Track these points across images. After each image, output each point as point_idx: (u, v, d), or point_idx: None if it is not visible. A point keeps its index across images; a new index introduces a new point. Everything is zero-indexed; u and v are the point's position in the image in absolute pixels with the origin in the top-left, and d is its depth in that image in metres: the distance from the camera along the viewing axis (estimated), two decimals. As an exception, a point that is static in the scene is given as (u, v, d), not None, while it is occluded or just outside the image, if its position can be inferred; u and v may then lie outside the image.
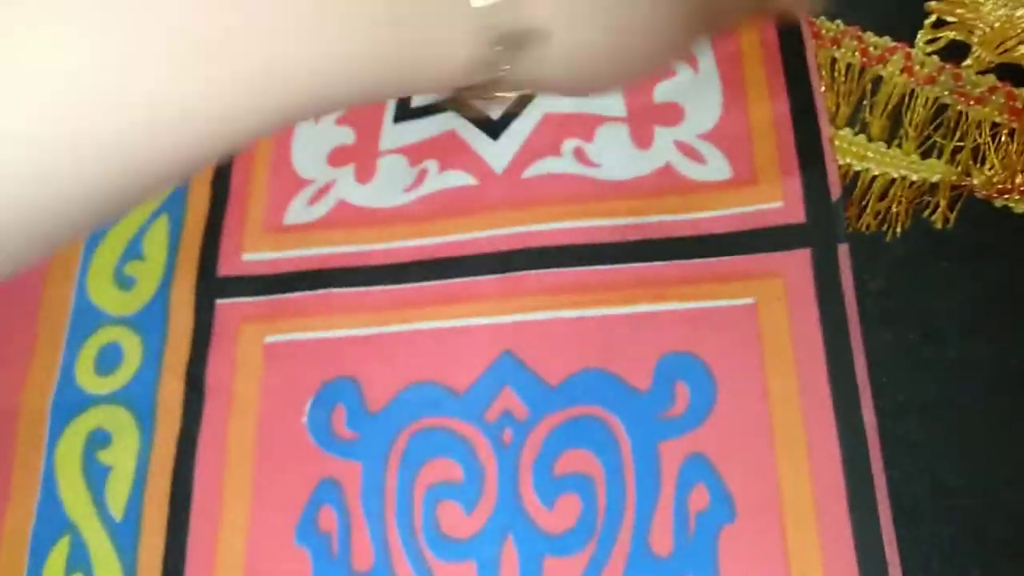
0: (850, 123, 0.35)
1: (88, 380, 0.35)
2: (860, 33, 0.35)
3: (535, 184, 0.35)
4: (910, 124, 0.34)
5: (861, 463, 0.29)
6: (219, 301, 0.36)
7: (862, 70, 0.35)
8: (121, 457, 0.34)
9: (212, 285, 0.36)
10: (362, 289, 0.35)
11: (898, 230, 0.34)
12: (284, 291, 0.35)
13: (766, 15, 0.31)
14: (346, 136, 0.38)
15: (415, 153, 0.36)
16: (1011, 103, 0.34)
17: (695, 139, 0.35)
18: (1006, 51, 0.34)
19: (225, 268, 0.36)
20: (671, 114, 0.35)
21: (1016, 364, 0.31)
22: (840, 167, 0.34)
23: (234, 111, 0.15)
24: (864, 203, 0.34)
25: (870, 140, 0.35)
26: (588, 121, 0.35)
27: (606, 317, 0.32)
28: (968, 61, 0.34)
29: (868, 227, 0.34)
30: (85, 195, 0.14)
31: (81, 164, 0.14)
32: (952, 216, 0.34)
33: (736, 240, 0.33)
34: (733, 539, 0.29)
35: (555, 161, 0.35)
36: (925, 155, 0.34)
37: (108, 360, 0.36)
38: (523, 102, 0.36)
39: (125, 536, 0.32)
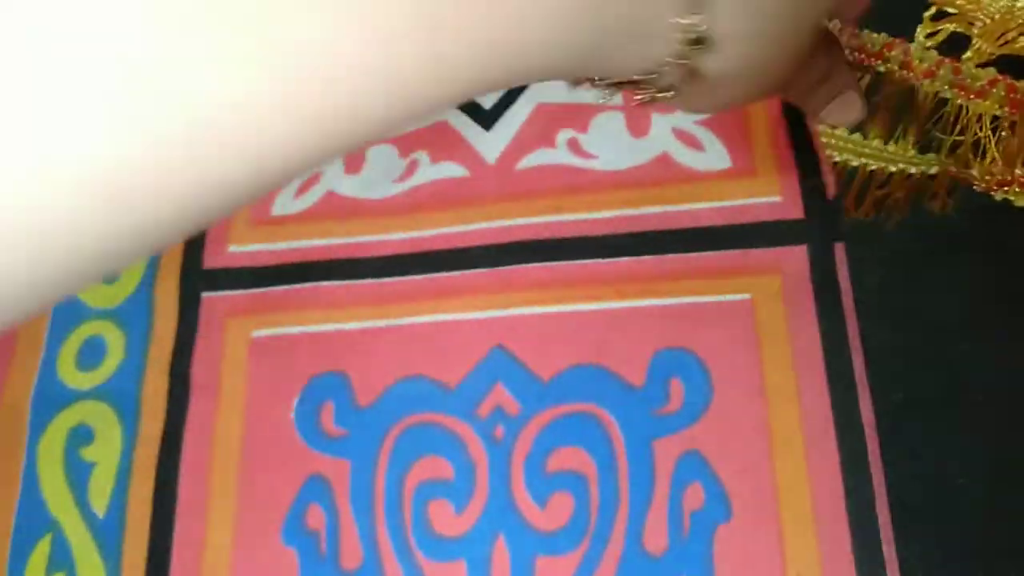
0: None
1: (70, 375, 0.35)
2: (856, 31, 0.35)
3: (528, 176, 0.34)
4: (910, 120, 0.34)
5: (859, 461, 0.29)
6: (205, 294, 0.35)
7: (860, 66, 0.35)
8: (104, 454, 0.33)
9: (198, 278, 0.35)
10: (351, 282, 0.34)
11: (895, 223, 0.33)
12: (271, 284, 0.34)
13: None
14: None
15: (405, 144, 0.36)
16: (1012, 96, 0.33)
17: (693, 125, 0.34)
18: (1007, 43, 0.34)
19: (211, 260, 0.35)
20: None
21: (1016, 360, 0.31)
22: (837, 164, 0.33)
23: (455, 79, 0.15)
24: (862, 192, 0.34)
25: (866, 137, 0.34)
26: (583, 111, 0.35)
27: (600, 312, 0.32)
28: (968, 53, 0.34)
29: (867, 214, 0.34)
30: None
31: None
32: (951, 204, 0.33)
33: (733, 233, 0.32)
34: (729, 538, 0.29)
35: (549, 152, 0.34)
36: (924, 149, 0.34)
37: (91, 354, 0.35)
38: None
39: (108, 534, 0.32)
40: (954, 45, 0.34)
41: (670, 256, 0.32)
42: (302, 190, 0.36)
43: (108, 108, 0.12)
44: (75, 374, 0.34)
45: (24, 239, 0.12)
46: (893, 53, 0.34)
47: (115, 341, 0.35)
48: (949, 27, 0.34)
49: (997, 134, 0.34)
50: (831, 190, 0.32)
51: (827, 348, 0.30)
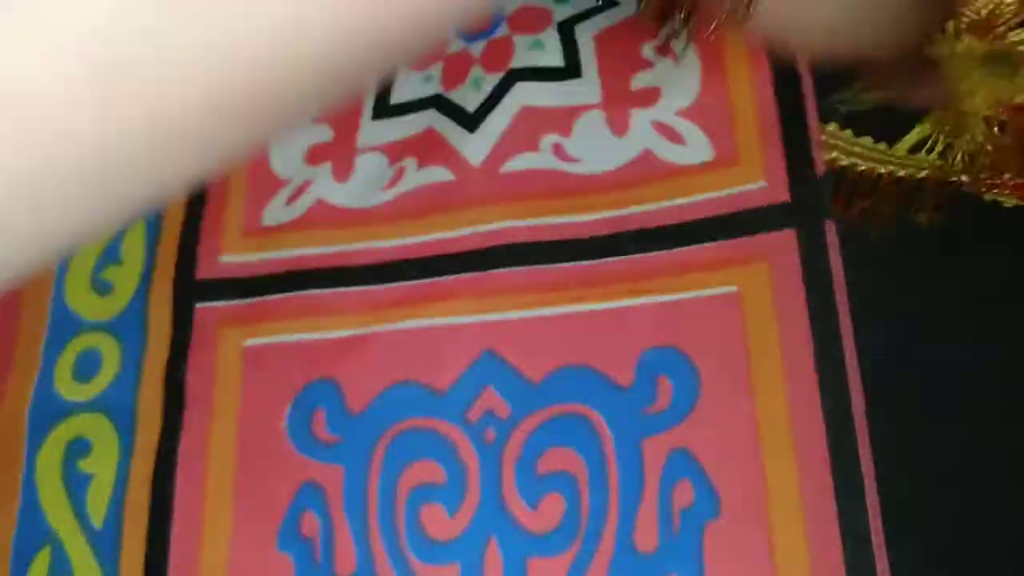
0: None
1: (67, 387, 0.35)
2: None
3: (513, 179, 0.34)
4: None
5: (849, 456, 0.28)
6: (198, 305, 0.35)
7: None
8: (101, 465, 0.33)
9: (190, 288, 0.36)
10: (341, 290, 0.34)
11: (883, 228, 0.33)
12: (263, 293, 0.35)
13: None
14: (323, 134, 0.37)
15: (394, 152, 0.36)
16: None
17: (673, 116, 0.34)
18: (996, 39, 0.34)
19: (203, 271, 0.36)
20: (648, 96, 0.34)
21: (1005, 360, 0.30)
22: (826, 160, 0.33)
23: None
24: (849, 199, 0.34)
25: (857, 135, 0.34)
26: (565, 114, 0.35)
27: (587, 313, 0.32)
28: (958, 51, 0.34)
29: (853, 222, 0.34)
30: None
31: None
32: (937, 215, 0.33)
33: (718, 225, 0.32)
34: (718, 535, 0.29)
35: (533, 157, 0.34)
36: (914, 149, 0.34)
37: (87, 366, 0.35)
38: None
39: (106, 545, 0.32)
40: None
41: (655, 254, 0.32)
42: (292, 199, 0.36)
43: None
44: (72, 386, 0.35)
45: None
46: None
47: (110, 353, 0.35)
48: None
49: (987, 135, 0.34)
50: (820, 167, 0.31)
51: (817, 335, 0.30)
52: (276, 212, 0.36)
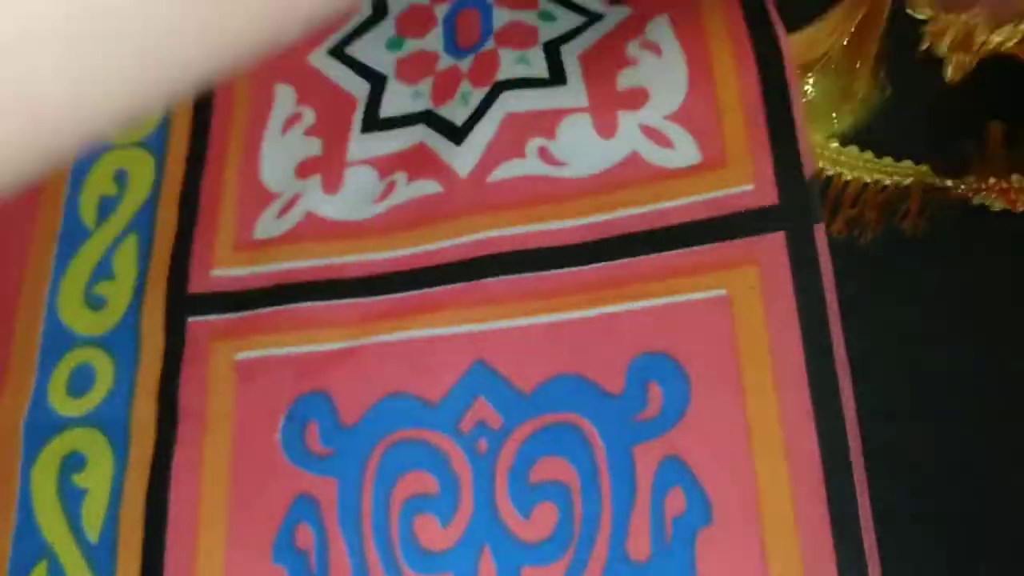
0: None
1: (61, 402, 0.35)
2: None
3: (501, 188, 0.34)
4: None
5: (841, 461, 0.29)
6: (190, 319, 0.35)
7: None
8: (96, 480, 0.33)
9: (182, 303, 0.36)
10: (332, 303, 0.34)
11: (869, 236, 0.34)
12: (254, 307, 0.35)
13: None
14: (313, 147, 0.38)
15: (384, 165, 0.36)
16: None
17: (661, 120, 0.34)
18: (983, 44, 0.34)
19: (195, 285, 0.36)
20: (635, 98, 0.34)
21: (995, 361, 0.31)
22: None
23: None
24: (835, 208, 0.34)
25: (843, 145, 0.34)
26: (550, 117, 0.35)
27: (577, 320, 0.32)
28: (950, 69, 0.34)
29: (839, 232, 0.34)
30: None
31: None
32: (922, 222, 0.33)
33: (706, 228, 0.32)
34: (710, 542, 0.29)
35: (520, 163, 0.34)
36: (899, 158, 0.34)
37: (80, 381, 0.35)
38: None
39: (102, 559, 0.32)
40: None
41: (644, 258, 0.32)
42: (282, 212, 0.37)
43: None
44: (66, 401, 0.35)
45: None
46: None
47: (104, 368, 0.35)
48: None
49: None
50: (808, 169, 0.32)
51: (807, 337, 0.30)
52: (267, 225, 0.36)
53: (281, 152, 0.38)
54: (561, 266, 0.33)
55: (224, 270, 0.36)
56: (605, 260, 0.32)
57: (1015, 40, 0.31)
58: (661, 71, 0.34)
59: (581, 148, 0.34)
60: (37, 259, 0.38)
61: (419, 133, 0.36)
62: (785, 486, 0.29)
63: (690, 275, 0.32)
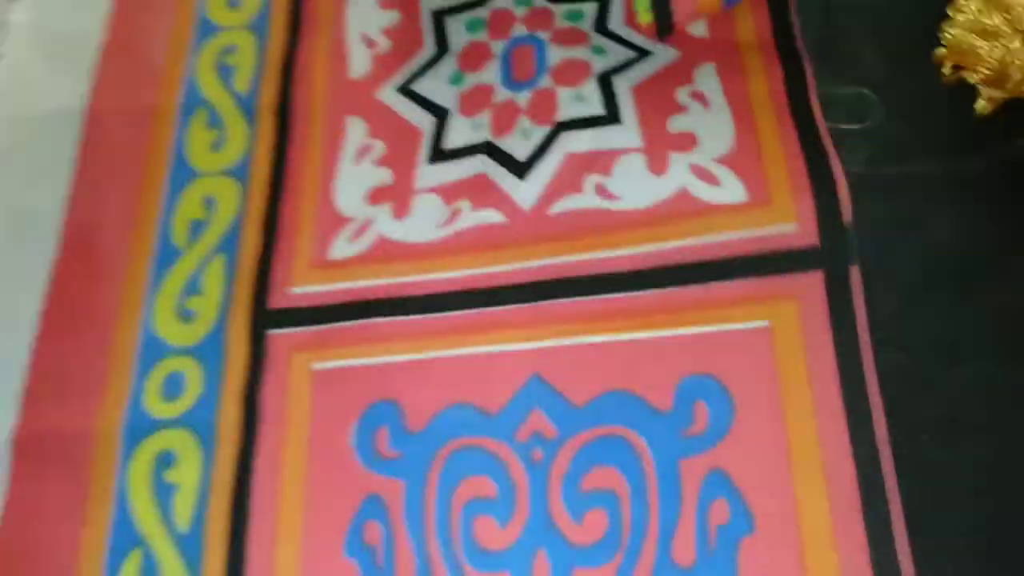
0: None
1: (155, 405, 0.39)
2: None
3: (561, 219, 0.37)
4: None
5: (875, 478, 0.30)
6: (271, 332, 0.39)
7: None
8: (186, 476, 0.37)
9: (264, 317, 0.39)
10: (401, 318, 0.37)
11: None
12: (329, 321, 0.38)
13: None
14: (384, 176, 0.41)
15: (449, 193, 0.39)
16: None
17: (710, 162, 0.37)
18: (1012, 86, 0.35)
19: (275, 301, 0.39)
20: (685, 141, 0.38)
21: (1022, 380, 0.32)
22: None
23: None
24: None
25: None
26: (606, 156, 0.38)
27: (628, 342, 0.35)
28: (981, 102, 0.35)
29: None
30: None
31: None
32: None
33: (751, 263, 0.34)
34: (752, 550, 0.31)
35: (578, 197, 0.37)
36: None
37: (172, 387, 0.39)
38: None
39: (191, 548, 0.35)
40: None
41: (692, 287, 0.35)
42: (355, 236, 0.40)
43: None
44: (159, 404, 0.39)
45: None
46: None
47: (194, 375, 0.39)
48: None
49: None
50: (846, 213, 0.34)
51: (842, 371, 0.32)
52: (341, 247, 0.40)
53: (354, 180, 0.41)
54: (615, 291, 0.35)
55: (302, 288, 0.39)
56: (655, 288, 0.35)
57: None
58: (709, 121, 0.37)
59: (634, 183, 0.37)
60: (133, 276, 0.42)
61: (480, 163, 0.40)
62: (824, 501, 0.31)
63: (735, 306, 0.34)
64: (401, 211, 0.40)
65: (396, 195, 0.40)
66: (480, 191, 0.39)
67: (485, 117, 0.41)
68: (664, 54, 0.40)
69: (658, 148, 0.37)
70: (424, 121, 0.42)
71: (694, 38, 0.40)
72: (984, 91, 0.35)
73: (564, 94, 0.40)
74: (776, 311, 0.34)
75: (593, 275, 0.36)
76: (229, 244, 0.41)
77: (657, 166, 0.37)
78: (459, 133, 0.41)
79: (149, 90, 0.46)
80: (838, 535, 0.30)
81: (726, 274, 0.35)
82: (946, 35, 0.36)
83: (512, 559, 0.32)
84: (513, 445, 0.34)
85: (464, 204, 0.39)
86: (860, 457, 0.31)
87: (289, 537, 0.35)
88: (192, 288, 0.41)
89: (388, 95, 0.43)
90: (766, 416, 0.32)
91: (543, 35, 0.42)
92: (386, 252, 0.39)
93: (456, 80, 0.43)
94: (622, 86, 0.39)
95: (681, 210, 0.36)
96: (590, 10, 0.42)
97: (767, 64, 0.38)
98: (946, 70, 0.36)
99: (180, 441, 0.38)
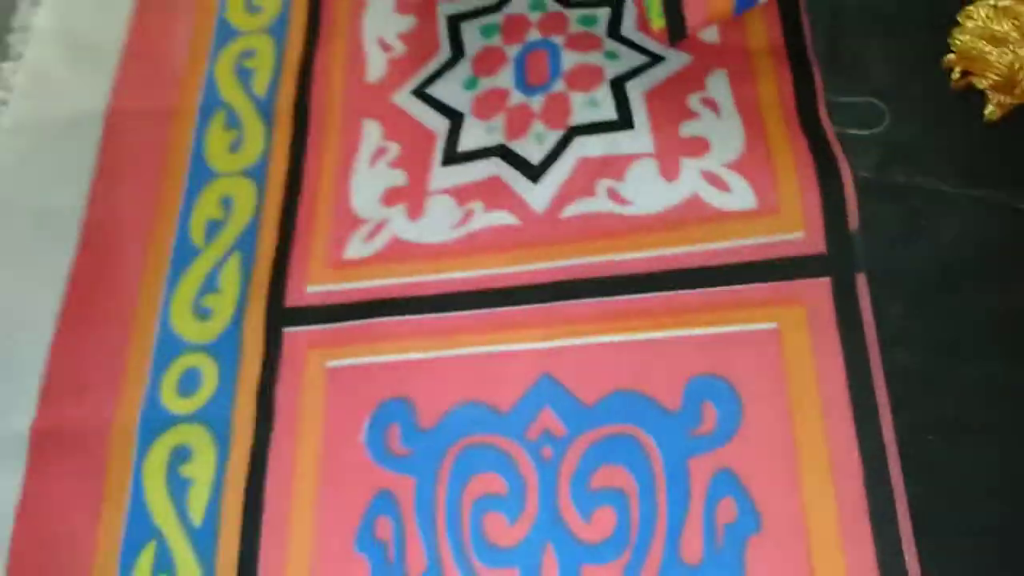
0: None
1: (171, 401, 0.39)
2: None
3: (573, 223, 0.38)
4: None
5: (882, 479, 0.31)
6: (286, 329, 0.39)
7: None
8: (201, 470, 0.37)
9: (280, 315, 0.40)
10: (414, 317, 0.38)
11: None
12: (344, 320, 0.39)
13: None
14: (398, 178, 0.42)
15: (462, 194, 0.40)
16: None
17: (720, 168, 0.37)
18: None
19: (291, 299, 0.40)
20: (697, 147, 0.38)
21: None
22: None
23: None
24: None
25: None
26: (619, 162, 0.38)
27: (638, 342, 0.35)
28: (990, 107, 0.36)
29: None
30: None
31: None
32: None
33: (759, 269, 0.35)
34: (759, 549, 0.31)
35: (591, 201, 0.38)
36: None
37: (189, 383, 0.40)
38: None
39: (205, 542, 0.36)
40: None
41: (701, 290, 0.35)
42: (370, 236, 0.41)
43: None
44: (176, 400, 0.39)
45: None
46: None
47: (210, 371, 0.40)
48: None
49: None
50: (853, 221, 0.35)
51: (850, 373, 0.32)
52: (356, 247, 0.41)
53: (369, 182, 0.42)
54: (625, 293, 0.36)
55: (318, 286, 0.40)
56: (666, 290, 0.35)
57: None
58: (720, 127, 0.38)
59: (646, 188, 0.37)
60: (151, 274, 0.43)
61: (494, 166, 0.40)
62: (831, 501, 0.31)
63: (743, 308, 0.35)
64: (415, 212, 0.40)
65: (410, 196, 0.41)
66: (493, 193, 0.39)
67: (499, 121, 0.42)
68: (676, 59, 0.41)
69: (670, 153, 0.38)
70: (439, 124, 0.43)
71: (706, 44, 0.41)
72: (993, 97, 0.36)
73: (577, 99, 0.41)
74: (783, 314, 0.34)
75: (604, 277, 0.36)
76: (246, 243, 0.42)
77: (669, 171, 0.38)
78: (473, 136, 0.42)
79: (169, 92, 0.47)
80: (845, 534, 0.30)
81: (735, 279, 0.35)
82: (955, 41, 0.37)
83: (521, 555, 0.33)
84: (523, 443, 0.35)
85: (477, 206, 0.39)
86: (867, 457, 0.31)
87: (301, 532, 0.35)
88: (209, 286, 0.42)
89: (404, 98, 0.44)
90: (774, 416, 0.33)
91: (557, 40, 0.43)
92: (400, 252, 0.40)
93: (471, 84, 0.43)
94: (635, 91, 0.40)
95: (692, 216, 0.37)
96: (603, 15, 0.43)
97: (778, 70, 0.39)
98: (955, 76, 0.37)
99: (196, 436, 0.38)
